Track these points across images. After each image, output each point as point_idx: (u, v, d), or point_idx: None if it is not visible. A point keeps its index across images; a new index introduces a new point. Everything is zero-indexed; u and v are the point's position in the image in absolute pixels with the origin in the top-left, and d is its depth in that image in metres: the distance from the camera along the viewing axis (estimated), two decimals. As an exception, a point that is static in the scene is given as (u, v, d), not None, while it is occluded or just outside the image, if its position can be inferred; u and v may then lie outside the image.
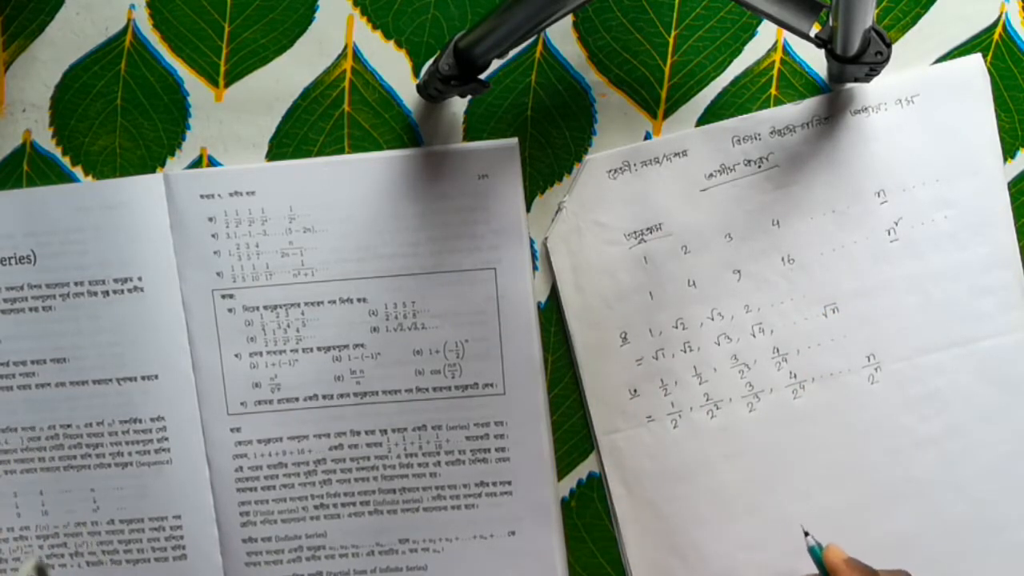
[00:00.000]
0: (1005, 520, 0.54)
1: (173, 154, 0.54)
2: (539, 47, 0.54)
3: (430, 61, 0.53)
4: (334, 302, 0.54)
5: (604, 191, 0.54)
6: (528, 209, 0.54)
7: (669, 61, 0.54)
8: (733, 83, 0.54)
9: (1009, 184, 0.54)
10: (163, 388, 0.54)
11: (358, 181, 0.53)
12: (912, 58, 0.54)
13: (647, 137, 0.54)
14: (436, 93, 0.50)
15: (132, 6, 0.54)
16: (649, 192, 0.54)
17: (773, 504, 0.54)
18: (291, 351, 0.54)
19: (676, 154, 0.54)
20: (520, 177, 0.54)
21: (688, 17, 0.54)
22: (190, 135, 0.54)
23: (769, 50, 0.54)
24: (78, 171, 0.54)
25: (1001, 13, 0.54)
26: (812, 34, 0.46)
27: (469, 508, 0.55)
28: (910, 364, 0.53)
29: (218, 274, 0.53)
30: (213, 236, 0.53)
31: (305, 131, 0.54)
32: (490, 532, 0.55)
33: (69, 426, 0.54)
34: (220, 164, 0.54)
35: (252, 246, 0.53)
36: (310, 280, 0.54)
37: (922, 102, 0.53)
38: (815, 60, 0.53)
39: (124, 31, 0.54)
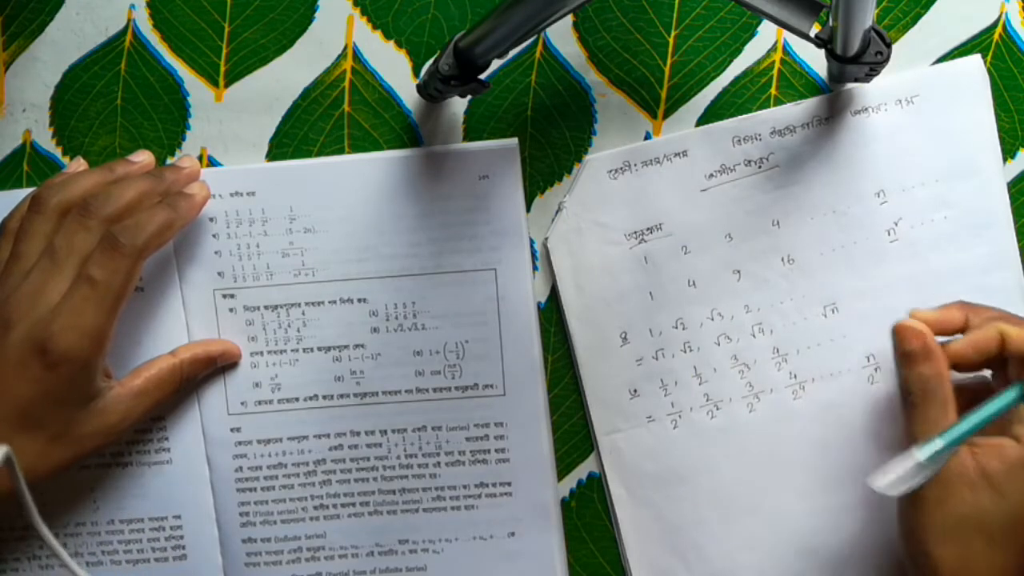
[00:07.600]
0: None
1: (173, 154, 0.54)
2: (539, 47, 0.54)
3: (430, 61, 0.53)
4: (334, 302, 0.54)
5: (604, 191, 0.54)
6: (528, 209, 0.54)
7: (669, 61, 0.54)
8: (733, 83, 0.54)
9: (1009, 184, 0.53)
10: (163, 388, 0.54)
11: (358, 181, 0.53)
12: (912, 58, 0.54)
13: (647, 137, 0.54)
14: (436, 93, 0.50)
15: (132, 6, 0.54)
16: (649, 192, 0.54)
17: (773, 504, 0.54)
18: (291, 351, 0.54)
19: (676, 154, 0.54)
20: (520, 177, 0.54)
21: (688, 17, 0.54)
22: (190, 135, 0.54)
23: (769, 50, 0.54)
24: (78, 171, 0.54)
25: (1001, 13, 0.54)
26: (812, 34, 0.46)
27: (469, 509, 0.55)
28: (910, 364, 0.53)
29: (219, 274, 0.53)
30: (214, 236, 0.53)
31: (305, 131, 0.54)
32: (490, 533, 0.55)
33: (69, 426, 0.54)
34: (220, 164, 0.54)
35: (253, 246, 0.53)
36: (310, 280, 0.54)
37: (922, 102, 0.53)
38: (815, 60, 0.53)
39: (124, 31, 0.54)
